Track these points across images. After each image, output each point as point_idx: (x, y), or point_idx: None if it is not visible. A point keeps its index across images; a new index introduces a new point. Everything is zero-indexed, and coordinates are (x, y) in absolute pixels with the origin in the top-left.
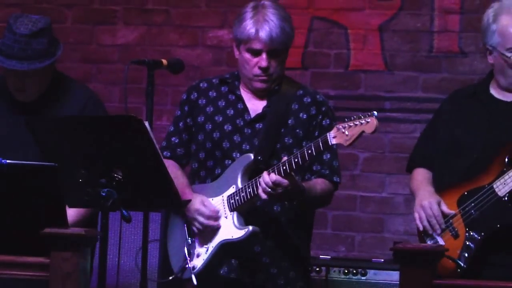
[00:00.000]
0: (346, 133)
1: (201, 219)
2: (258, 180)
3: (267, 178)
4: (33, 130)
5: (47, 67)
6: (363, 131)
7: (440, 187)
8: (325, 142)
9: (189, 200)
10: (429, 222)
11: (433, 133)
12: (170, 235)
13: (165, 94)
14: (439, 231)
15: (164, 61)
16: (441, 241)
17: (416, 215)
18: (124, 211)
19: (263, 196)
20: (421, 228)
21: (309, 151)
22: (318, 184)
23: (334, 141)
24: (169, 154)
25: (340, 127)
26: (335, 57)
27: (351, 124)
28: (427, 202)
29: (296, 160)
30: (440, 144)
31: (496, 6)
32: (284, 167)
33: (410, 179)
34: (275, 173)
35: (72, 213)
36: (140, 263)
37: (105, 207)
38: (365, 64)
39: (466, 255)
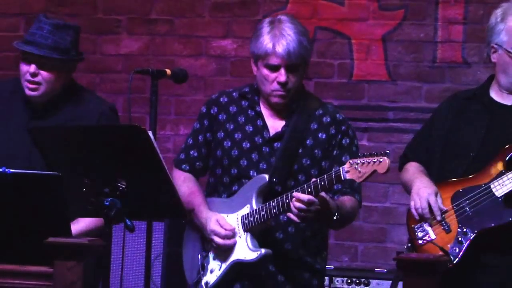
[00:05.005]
0: (359, 169)
1: (217, 239)
2: (283, 202)
3: (301, 196)
4: (36, 139)
5: (64, 66)
6: (375, 170)
7: (436, 183)
8: (338, 176)
9: (193, 209)
10: (423, 211)
11: (429, 130)
12: (185, 246)
13: (168, 104)
14: (433, 222)
15: (168, 71)
16: (432, 234)
17: (412, 203)
18: (127, 220)
19: (296, 219)
20: (416, 217)
21: (322, 183)
22: (347, 201)
23: (347, 176)
24: (188, 167)
25: (353, 162)
26: (338, 67)
27: (364, 161)
28: (426, 191)
29: (309, 190)
30: (436, 141)
31: (505, 6)
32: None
33: (402, 172)
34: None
35: (85, 222)
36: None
37: (108, 216)
38: (369, 74)
39: (457, 250)
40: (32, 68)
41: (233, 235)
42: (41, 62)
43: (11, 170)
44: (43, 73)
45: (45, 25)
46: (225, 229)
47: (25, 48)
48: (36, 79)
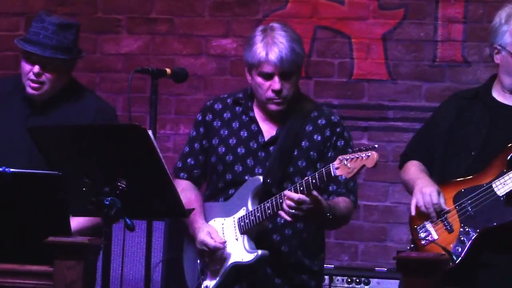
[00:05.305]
0: (348, 165)
1: (205, 252)
2: (277, 202)
3: (291, 194)
4: (35, 139)
5: (67, 65)
6: (364, 165)
7: (437, 183)
8: (328, 173)
9: (193, 209)
10: (427, 209)
11: (430, 129)
12: (185, 252)
13: (168, 103)
14: (435, 219)
15: (168, 70)
16: (434, 234)
17: (414, 200)
18: (127, 219)
19: (287, 218)
20: (424, 211)
21: (313, 181)
22: (341, 202)
23: (337, 173)
24: (186, 175)
25: (343, 158)
26: (338, 66)
27: (353, 157)
28: (428, 189)
29: (301, 188)
30: (437, 140)
31: (509, 7)
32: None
33: (402, 171)
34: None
35: (82, 220)
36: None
37: (108, 215)
38: (369, 73)
39: (459, 249)
40: (36, 68)
41: (223, 248)
42: (44, 62)
43: (11, 170)
44: (47, 73)
45: (49, 25)
46: (215, 241)
47: (29, 48)
48: (41, 79)
